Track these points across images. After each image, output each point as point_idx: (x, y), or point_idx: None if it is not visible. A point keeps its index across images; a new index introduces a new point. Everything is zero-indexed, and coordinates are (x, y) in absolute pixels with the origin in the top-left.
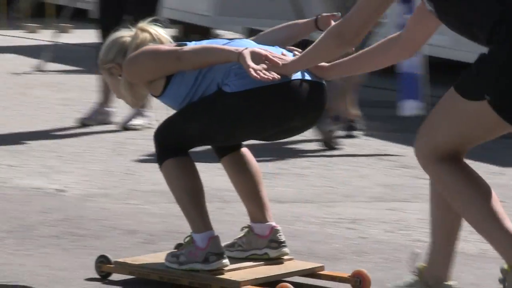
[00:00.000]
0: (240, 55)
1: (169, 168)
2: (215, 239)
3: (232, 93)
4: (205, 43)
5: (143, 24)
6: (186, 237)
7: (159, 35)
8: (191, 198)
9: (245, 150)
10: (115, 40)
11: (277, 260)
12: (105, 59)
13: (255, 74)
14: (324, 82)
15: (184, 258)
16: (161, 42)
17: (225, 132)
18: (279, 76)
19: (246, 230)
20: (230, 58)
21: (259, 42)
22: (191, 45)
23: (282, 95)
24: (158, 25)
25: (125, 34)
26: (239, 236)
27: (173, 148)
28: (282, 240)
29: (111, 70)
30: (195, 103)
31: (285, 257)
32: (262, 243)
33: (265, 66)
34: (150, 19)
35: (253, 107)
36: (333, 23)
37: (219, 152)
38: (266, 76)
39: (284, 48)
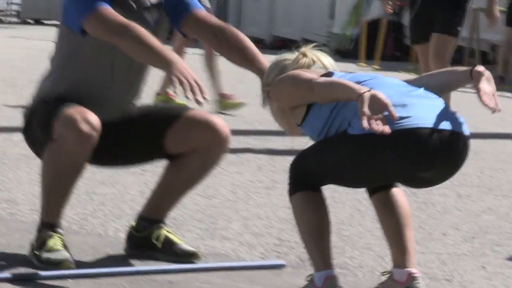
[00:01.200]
0: (359, 96)
1: (298, 201)
2: (331, 279)
3: (352, 135)
4: (344, 77)
5: (306, 48)
6: (309, 276)
7: (318, 61)
8: (313, 234)
9: (396, 191)
10: (277, 62)
11: None
12: (266, 82)
13: (365, 123)
14: (467, 134)
15: None
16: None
17: (345, 176)
18: (389, 130)
19: (387, 275)
20: (351, 96)
21: (414, 84)
22: (333, 76)
23: (400, 142)
24: (322, 51)
25: (288, 57)
26: (381, 281)
27: (305, 181)
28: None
29: (268, 93)
30: (326, 140)
31: None
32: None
33: (380, 116)
34: (315, 44)
35: (368, 152)
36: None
37: (370, 189)
38: (375, 127)
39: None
